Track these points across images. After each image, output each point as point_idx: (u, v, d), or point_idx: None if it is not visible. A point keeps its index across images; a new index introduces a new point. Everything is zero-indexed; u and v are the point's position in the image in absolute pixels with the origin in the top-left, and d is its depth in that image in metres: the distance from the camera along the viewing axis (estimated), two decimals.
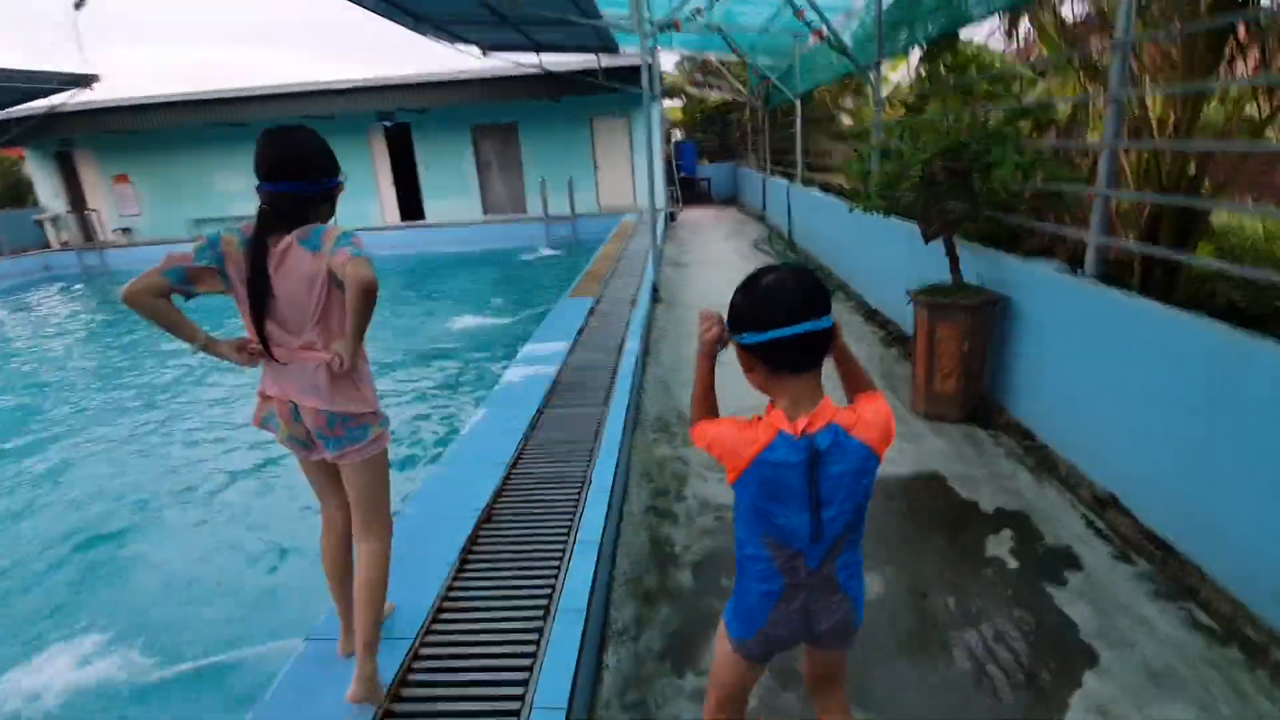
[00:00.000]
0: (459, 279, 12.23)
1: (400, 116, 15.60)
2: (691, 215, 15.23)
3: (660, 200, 14.90)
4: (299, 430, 1.74)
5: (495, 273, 12.28)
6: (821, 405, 1.16)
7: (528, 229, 14.80)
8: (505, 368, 4.53)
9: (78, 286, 14.02)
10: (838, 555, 1.23)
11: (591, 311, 5.79)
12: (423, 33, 11.19)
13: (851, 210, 4.48)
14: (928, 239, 3.83)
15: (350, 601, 1.83)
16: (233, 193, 16.48)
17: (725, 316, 1.25)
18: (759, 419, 1.19)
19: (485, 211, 16.30)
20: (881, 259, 5.87)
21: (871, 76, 6.15)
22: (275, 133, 1.67)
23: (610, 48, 12.76)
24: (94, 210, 16.81)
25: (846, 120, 12.21)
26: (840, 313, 6.84)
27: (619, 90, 13.05)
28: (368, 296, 1.56)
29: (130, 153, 16.31)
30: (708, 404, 1.36)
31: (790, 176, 11.45)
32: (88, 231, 17.23)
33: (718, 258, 9.56)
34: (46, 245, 16.53)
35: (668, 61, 18.85)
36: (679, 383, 4.62)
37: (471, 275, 12.38)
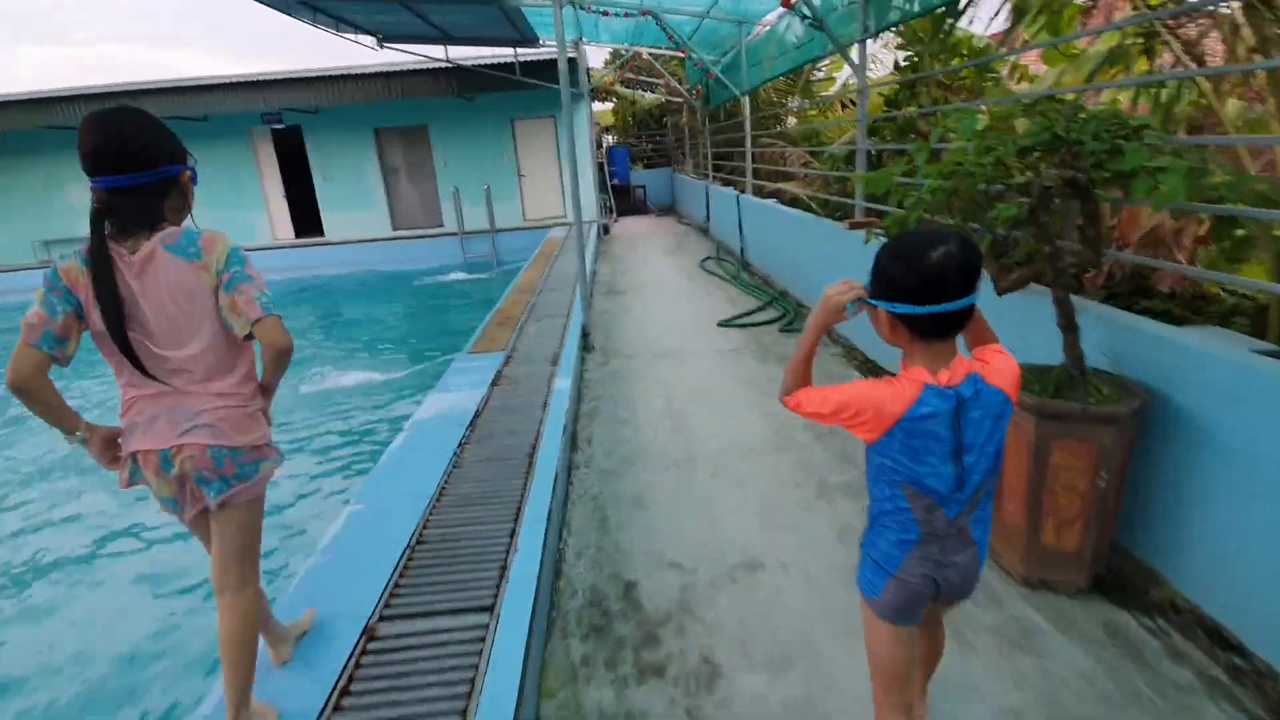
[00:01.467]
0: (355, 309, 10.28)
1: (290, 118, 13.43)
2: (627, 227, 13.70)
3: (590, 211, 13.37)
4: (168, 486, 1.50)
5: (398, 302, 10.39)
6: (957, 358, 1.19)
7: (442, 246, 12.92)
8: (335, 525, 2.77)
9: None
10: (975, 508, 1.26)
11: (495, 381, 4.13)
12: (300, 17, 9.24)
13: (868, 241, 3.01)
14: (1004, 290, 2.39)
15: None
16: (84, 207, 13.84)
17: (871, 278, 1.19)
18: (893, 378, 1.20)
19: (395, 226, 14.28)
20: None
21: (855, 54, 4.77)
22: (94, 118, 1.39)
23: (529, 40, 11.08)
24: None
25: (793, 121, 10.95)
26: (820, 357, 5.51)
27: (541, 88, 11.40)
28: (283, 359, 1.54)
29: None
30: (808, 371, 1.35)
31: (737, 185, 10.06)
32: None
33: (661, 280, 8.03)
34: None
35: (596, 58, 17.26)
36: (627, 511, 3.02)
37: (369, 305, 10.45)
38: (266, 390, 1.61)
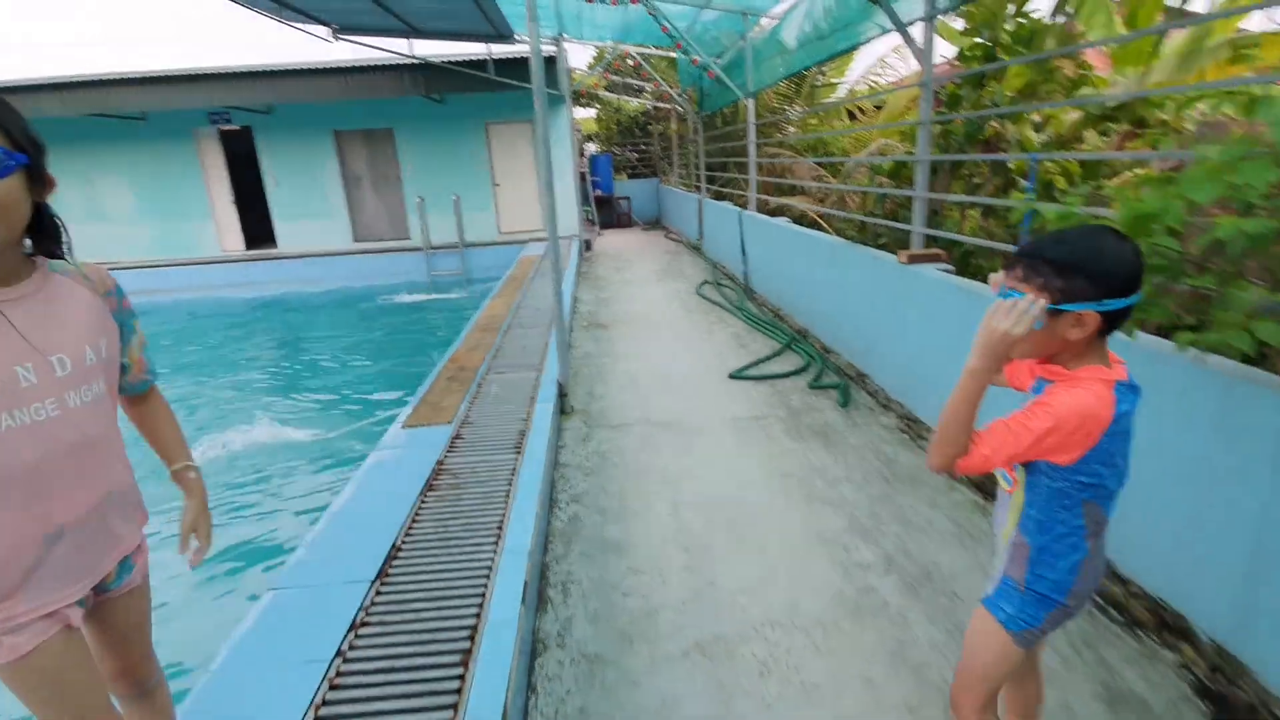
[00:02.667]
0: (300, 334, 8.90)
1: (240, 118, 12.03)
2: (611, 243, 12.47)
3: (572, 225, 12.10)
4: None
5: (349, 327, 9.02)
6: (1111, 354, 1.16)
7: (407, 261, 11.58)
8: None
9: None
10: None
11: (430, 481, 2.85)
12: (242, 2, 7.91)
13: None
14: None
15: None
16: None
17: (1055, 285, 1.08)
18: (1081, 383, 1.11)
19: (356, 237, 12.90)
20: (928, 337, 3.30)
21: (919, 36, 3.59)
22: None
23: (503, 35, 9.84)
24: None
25: (793, 130, 9.83)
26: (849, 409, 4.33)
27: (517, 88, 10.16)
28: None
29: None
30: (973, 417, 1.15)
31: (737, 200, 8.90)
32: None
33: (653, 310, 6.81)
34: None
35: (579, 58, 16.03)
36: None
37: (316, 330, 9.07)
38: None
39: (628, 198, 15.72)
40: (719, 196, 10.27)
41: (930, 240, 3.86)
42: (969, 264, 4.18)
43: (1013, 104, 3.95)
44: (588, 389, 4.54)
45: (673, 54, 10.06)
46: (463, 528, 2.48)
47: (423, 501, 2.69)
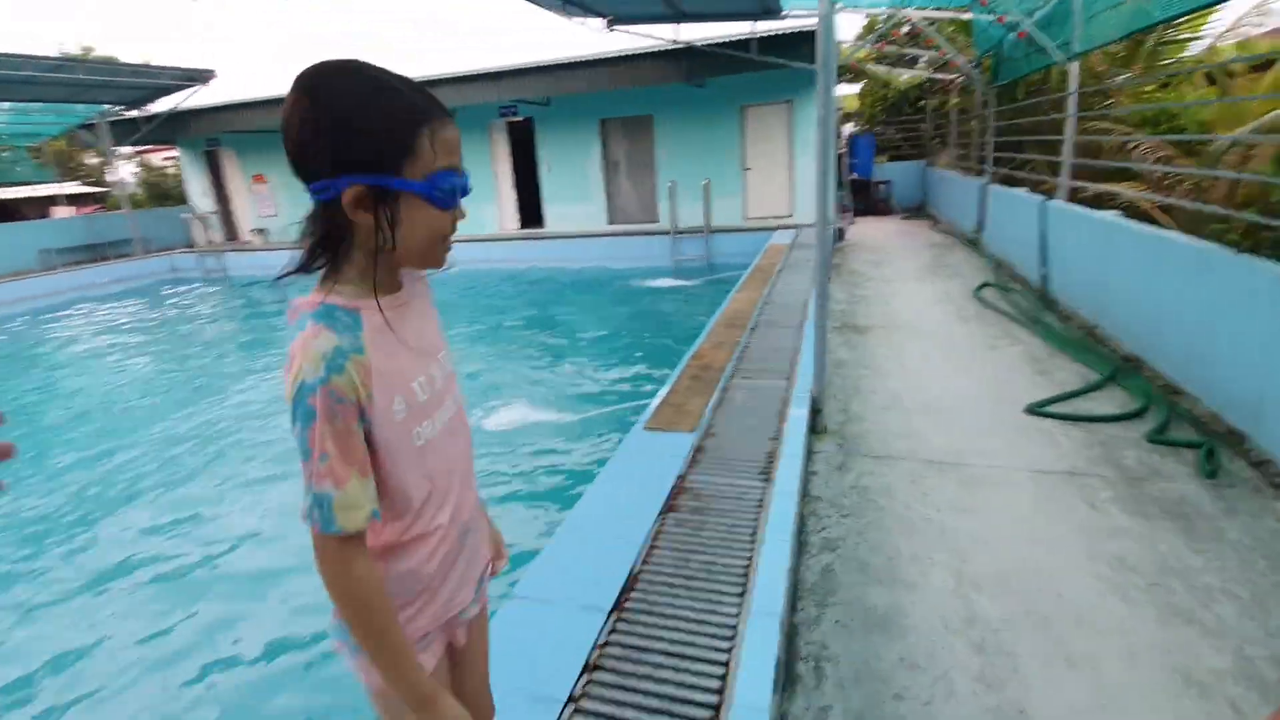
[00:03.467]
0: (558, 311, 9.54)
1: (525, 111, 13.29)
2: (867, 233, 11.38)
3: (828, 215, 11.16)
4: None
5: (602, 308, 9.42)
6: None
7: (654, 245, 11.82)
8: None
9: (195, 289, 13.24)
10: None
11: (671, 500, 2.61)
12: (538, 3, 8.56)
13: None
14: None
15: None
16: None
17: None
18: None
19: (611, 220, 13.57)
20: None
21: None
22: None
23: (770, 9, 9.34)
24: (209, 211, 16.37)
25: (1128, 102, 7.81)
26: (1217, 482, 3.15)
27: (780, 67, 9.61)
28: (332, 594, 0.84)
29: (267, 151, 15.57)
30: None
31: (1037, 186, 7.38)
32: (231, 231, 16.93)
33: (918, 315, 5.90)
34: (192, 244, 16.34)
35: (846, 28, 14.85)
36: None
37: (572, 308, 9.63)
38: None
39: (888, 182, 14.27)
40: (1007, 181, 8.67)
41: None
42: None
43: None
44: (842, 405, 3.97)
45: (965, 15, 8.64)
46: (704, 566, 2.19)
47: (662, 524, 2.45)
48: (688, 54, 10.47)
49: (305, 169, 0.83)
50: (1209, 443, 3.12)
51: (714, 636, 1.88)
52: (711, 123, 12.21)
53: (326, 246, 0.86)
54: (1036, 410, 3.68)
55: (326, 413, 0.80)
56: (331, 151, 0.81)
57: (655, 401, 3.62)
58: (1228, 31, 7.27)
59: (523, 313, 9.51)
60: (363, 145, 0.81)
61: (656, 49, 10.58)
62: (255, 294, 12.72)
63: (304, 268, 0.88)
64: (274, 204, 16.07)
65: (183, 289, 13.34)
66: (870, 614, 2.22)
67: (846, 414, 3.84)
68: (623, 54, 10.98)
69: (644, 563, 2.23)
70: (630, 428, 3.37)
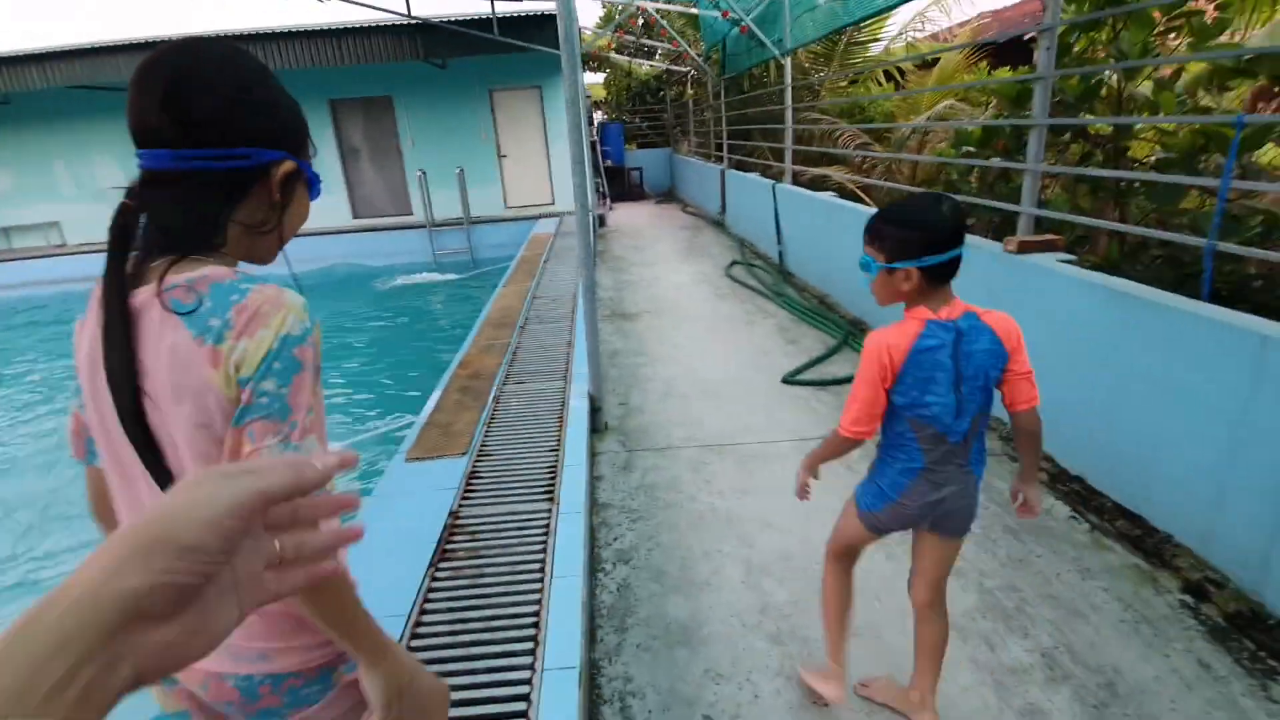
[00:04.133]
0: None
1: None
2: (625, 217, 11.70)
3: (588, 201, 11.21)
4: (170, 700, 0.87)
5: (354, 311, 8.34)
6: (955, 300, 1.36)
7: (410, 239, 10.84)
8: None
9: None
10: (974, 436, 1.42)
11: (446, 537, 2.23)
12: None
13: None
14: None
15: None
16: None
17: (885, 248, 1.33)
18: (899, 323, 1.37)
19: (356, 214, 12.15)
20: (1046, 344, 2.61)
21: None
22: (153, 55, 0.74)
23: None
24: None
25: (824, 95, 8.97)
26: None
27: (522, 49, 9.29)
28: (317, 598, 0.74)
29: None
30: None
31: (766, 171, 8.12)
32: None
33: (681, 296, 6.12)
34: None
35: (587, 16, 15.01)
36: None
37: (319, 313, 8.39)
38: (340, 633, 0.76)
39: (639, 169, 14.86)
40: (741, 167, 9.48)
41: (1047, 226, 3.16)
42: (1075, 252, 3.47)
43: (1141, 56, 3.19)
44: (621, 398, 3.88)
45: (693, 9, 9.16)
46: (486, 624, 1.86)
47: (432, 577, 2.07)
48: (424, 29, 9.63)
49: (209, 132, 0.74)
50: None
51: (503, 710, 1.58)
52: (460, 106, 11.48)
53: (220, 217, 0.78)
54: (790, 380, 3.95)
55: (314, 365, 0.76)
56: (260, 121, 0.78)
57: (418, 423, 3.15)
58: (898, 36, 8.70)
59: None
60: (286, 123, 0.81)
61: (389, 22, 9.56)
62: None
63: (203, 239, 0.77)
64: None
65: None
66: (671, 628, 2.10)
67: (626, 407, 3.76)
68: (348, 26, 9.74)
69: (412, 633, 1.84)
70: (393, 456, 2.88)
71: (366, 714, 0.85)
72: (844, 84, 9.01)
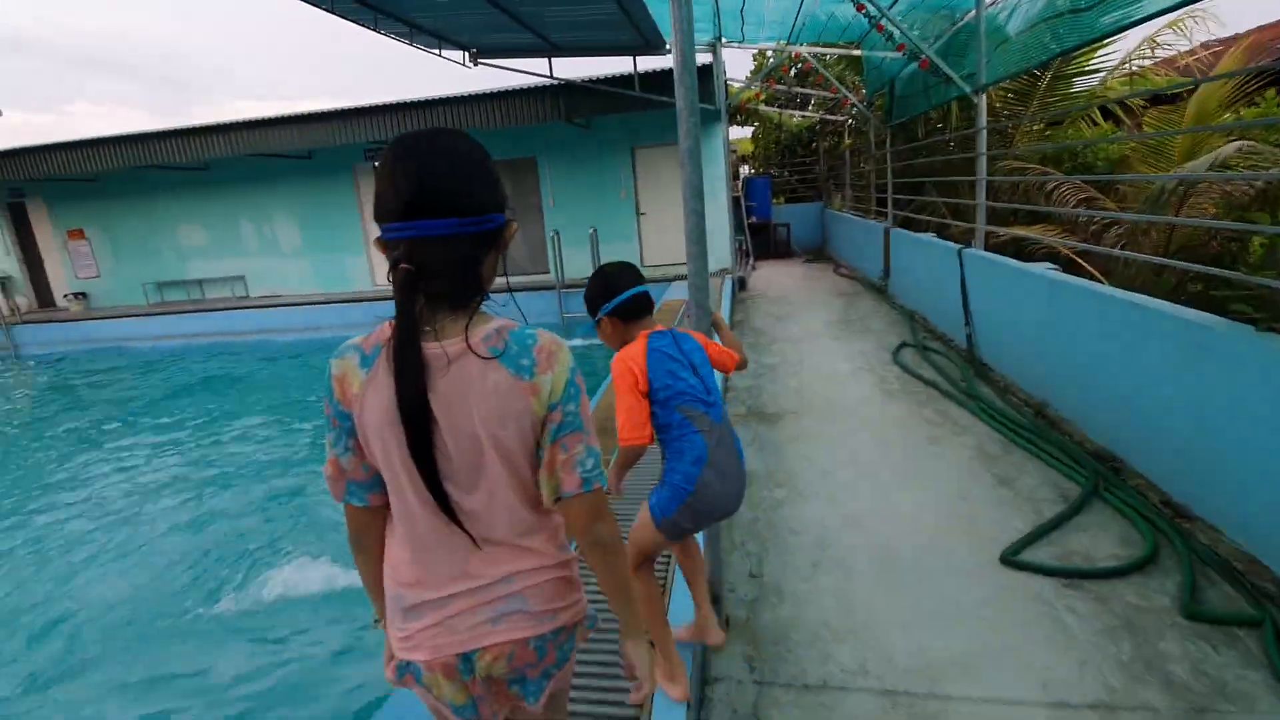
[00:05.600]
0: None
1: None
2: (770, 279, 10.60)
3: (723, 257, 10.32)
4: (464, 691, 1.00)
5: None
6: (658, 324, 1.71)
7: (539, 300, 10.51)
8: None
9: None
10: (728, 421, 1.72)
11: None
12: (382, 30, 7.25)
13: None
14: None
15: None
16: (192, 248, 13.11)
17: (589, 310, 1.72)
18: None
19: (508, 272, 12.16)
20: None
21: None
22: (405, 142, 0.93)
23: (652, 44, 8.47)
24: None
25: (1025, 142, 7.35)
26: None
27: (663, 105, 8.71)
28: (600, 552, 1.00)
29: (85, 202, 13.17)
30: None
31: (946, 231, 6.70)
32: (43, 296, 14.19)
33: (840, 394, 4.86)
34: None
35: (734, 67, 14.39)
36: None
37: None
38: (616, 600, 1.05)
39: (787, 225, 13.74)
40: (908, 224, 8.06)
41: None
42: None
43: None
44: (752, 562, 2.75)
45: (855, 50, 8.07)
46: None
47: None
48: (566, 90, 9.41)
49: (469, 203, 0.92)
50: (1268, 615, 2.12)
51: None
52: (602, 165, 11.19)
53: (484, 271, 0.98)
54: (1013, 559, 2.60)
55: (584, 387, 1.01)
56: (499, 190, 0.97)
57: None
58: (1119, 66, 6.98)
59: None
60: (505, 191, 1.01)
61: (530, 85, 9.47)
62: (63, 375, 10.34)
63: (483, 294, 0.99)
64: (95, 263, 13.57)
65: None
66: None
67: (760, 583, 2.62)
68: (494, 91, 9.80)
69: None
70: None
71: (635, 687, 1.21)
72: (1039, 127, 7.38)
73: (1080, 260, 5.26)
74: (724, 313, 7.01)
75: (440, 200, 0.89)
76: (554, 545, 1.04)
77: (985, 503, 3.04)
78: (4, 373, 10.84)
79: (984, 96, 5.33)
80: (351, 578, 3.47)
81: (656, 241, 11.52)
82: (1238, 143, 4.14)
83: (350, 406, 0.93)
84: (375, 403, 0.91)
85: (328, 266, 12.72)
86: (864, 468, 3.51)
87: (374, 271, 12.62)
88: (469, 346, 0.91)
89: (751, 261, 11.74)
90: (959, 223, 6.12)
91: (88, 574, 4.04)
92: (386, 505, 0.99)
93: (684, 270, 9.41)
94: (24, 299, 13.95)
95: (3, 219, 13.71)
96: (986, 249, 5.33)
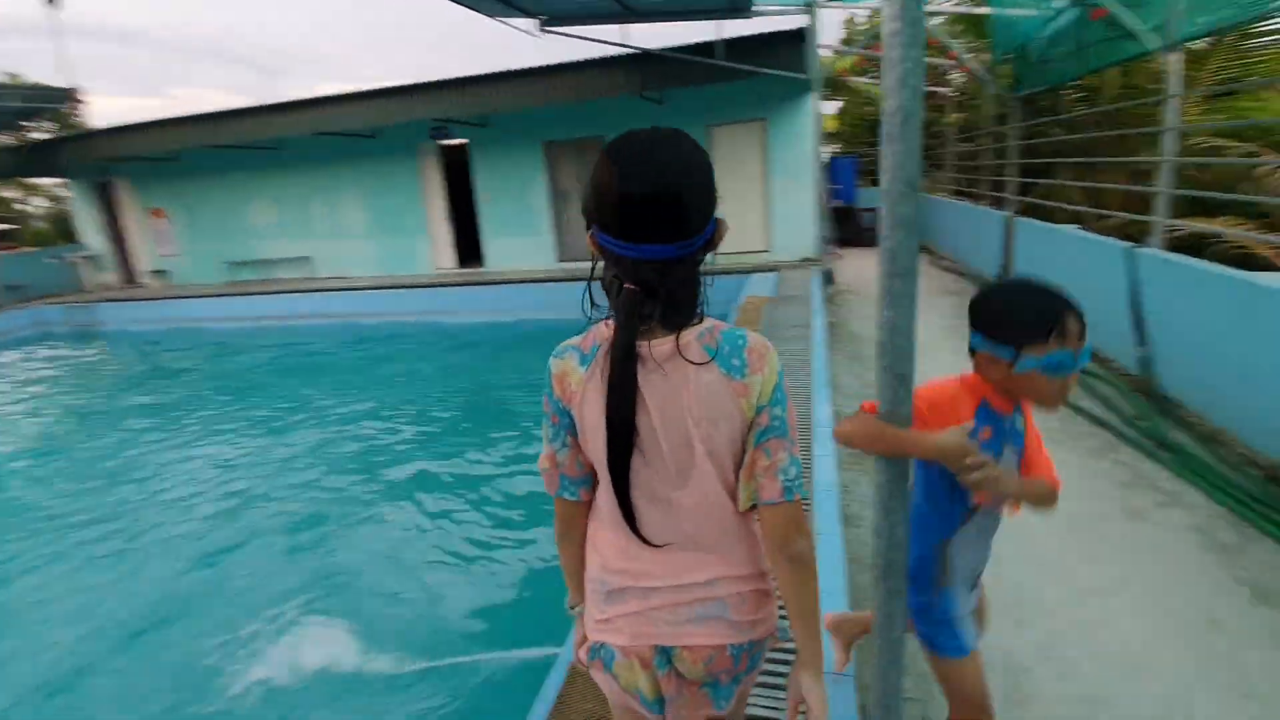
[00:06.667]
0: (482, 392, 7.40)
1: (459, 133, 11.26)
2: (859, 271, 9.50)
3: (808, 245, 9.24)
4: (653, 685, 1.01)
5: (525, 388, 7.28)
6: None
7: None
8: None
9: (51, 351, 10.81)
10: None
11: None
12: None
13: None
14: None
15: None
16: (262, 228, 13.02)
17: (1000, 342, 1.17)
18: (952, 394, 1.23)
19: (561, 258, 11.52)
20: None
21: None
22: (629, 152, 0.90)
23: (738, 7, 7.47)
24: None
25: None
26: None
27: (752, 74, 7.71)
28: (792, 567, 0.96)
29: (166, 182, 13.28)
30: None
31: (1099, 221, 5.52)
32: (128, 273, 14.53)
33: None
34: (78, 289, 13.91)
35: (828, 27, 13.09)
36: None
37: (496, 388, 7.50)
38: (806, 619, 0.99)
39: (873, 210, 12.46)
40: (1031, 212, 6.84)
41: None
42: None
43: None
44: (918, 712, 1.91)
45: (981, 8, 6.84)
46: None
47: None
48: (640, 61, 8.53)
49: (697, 222, 0.91)
50: None
51: None
52: None
53: (700, 282, 0.97)
54: None
55: (790, 394, 0.97)
56: (715, 195, 0.95)
57: None
58: None
59: (457, 389, 7.36)
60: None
61: (602, 54, 8.64)
62: (145, 355, 10.39)
63: (696, 303, 0.96)
64: (175, 242, 13.73)
65: (43, 350, 10.89)
66: None
67: None
68: (561, 63, 9.02)
69: None
70: None
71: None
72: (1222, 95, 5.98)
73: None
74: (815, 313, 6.05)
75: (669, 225, 0.88)
76: (755, 557, 1.02)
77: (1246, 635, 2.08)
78: (97, 354, 10.95)
79: (1178, 54, 4.14)
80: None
81: (732, 227, 10.55)
82: None
83: (570, 403, 0.96)
84: (595, 400, 0.93)
85: (390, 249, 12.38)
86: (1046, 560, 2.58)
87: (435, 254, 12.20)
88: (679, 351, 0.92)
89: (838, 252, 10.62)
90: (1119, 214, 4.95)
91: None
92: (592, 500, 1.03)
93: (761, 260, 8.36)
94: (110, 274, 14.31)
95: (93, 197, 14.03)
96: (1173, 251, 4.19)
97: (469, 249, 12.24)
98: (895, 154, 1.01)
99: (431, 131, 11.31)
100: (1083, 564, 2.50)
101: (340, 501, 4.46)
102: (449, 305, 10.60)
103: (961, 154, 9.74)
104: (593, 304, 0.95)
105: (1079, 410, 3.87)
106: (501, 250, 11.69)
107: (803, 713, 0.97)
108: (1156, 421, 3.60)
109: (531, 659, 2.53)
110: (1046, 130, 6.73)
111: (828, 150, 14.75)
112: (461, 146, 11.52)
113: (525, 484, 4.45)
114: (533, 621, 2.94)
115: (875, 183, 13.55)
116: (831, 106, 14.71)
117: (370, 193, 12.25)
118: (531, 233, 11.40)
